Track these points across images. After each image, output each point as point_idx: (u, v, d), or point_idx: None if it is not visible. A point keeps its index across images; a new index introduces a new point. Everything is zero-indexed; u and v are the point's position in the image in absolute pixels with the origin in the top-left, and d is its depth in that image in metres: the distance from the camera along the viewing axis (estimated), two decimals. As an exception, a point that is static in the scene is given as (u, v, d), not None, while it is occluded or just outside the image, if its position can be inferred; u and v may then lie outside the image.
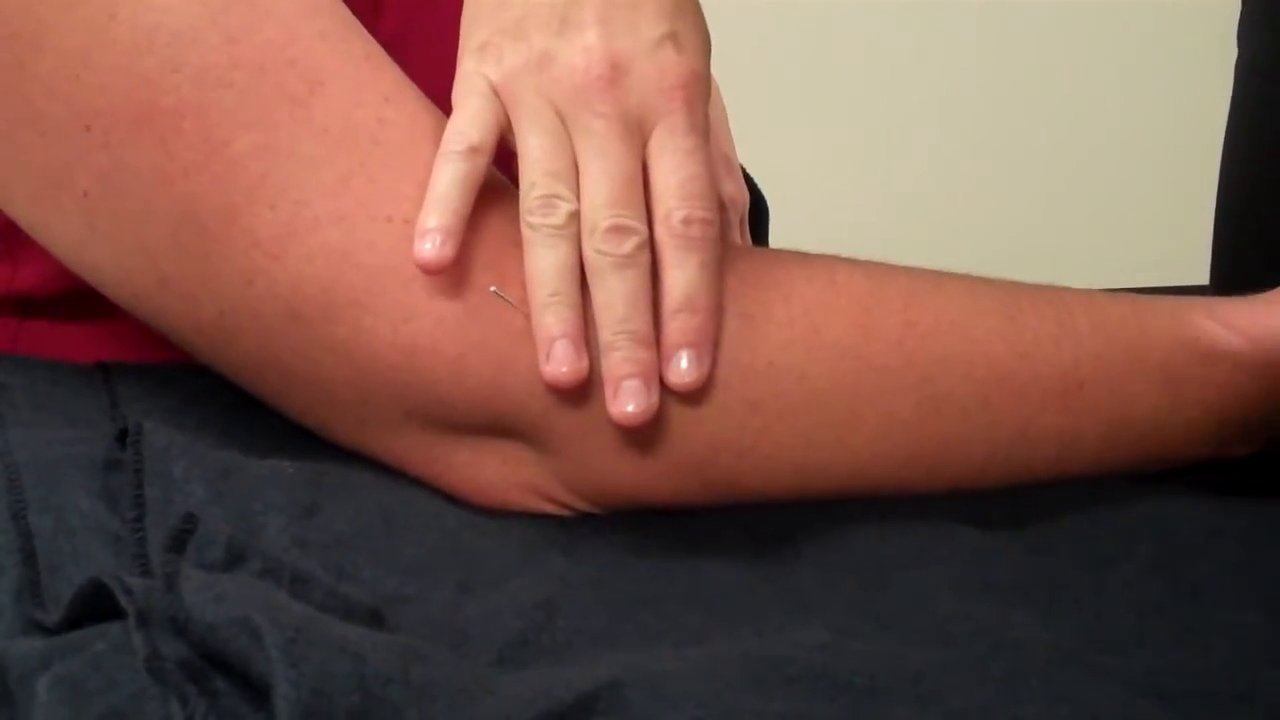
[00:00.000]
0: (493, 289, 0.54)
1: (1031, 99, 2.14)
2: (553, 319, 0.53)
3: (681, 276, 0.54)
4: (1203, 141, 1.14)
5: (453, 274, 0.54)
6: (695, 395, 0.55)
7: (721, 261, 0.55)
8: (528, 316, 0.54)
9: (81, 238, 0.57)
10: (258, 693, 0.43)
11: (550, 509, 0.58)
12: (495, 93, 0.55)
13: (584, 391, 0.54)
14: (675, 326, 0.54)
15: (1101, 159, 2.14)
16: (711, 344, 0.55)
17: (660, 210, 0.55)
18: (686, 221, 0.54)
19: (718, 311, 0.55)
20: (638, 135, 0.55)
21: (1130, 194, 2.12)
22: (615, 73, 0.54)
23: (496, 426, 0.56)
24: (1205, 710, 0.49)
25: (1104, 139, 2.14)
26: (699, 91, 0.56)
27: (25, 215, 0.58)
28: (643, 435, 0.55)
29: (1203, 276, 1.00)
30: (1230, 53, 1.02)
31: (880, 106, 1.92)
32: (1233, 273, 1.00)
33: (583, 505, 0.57)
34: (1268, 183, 1.01)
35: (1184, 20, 2.00)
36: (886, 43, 2.04)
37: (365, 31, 0.57)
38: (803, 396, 0.56)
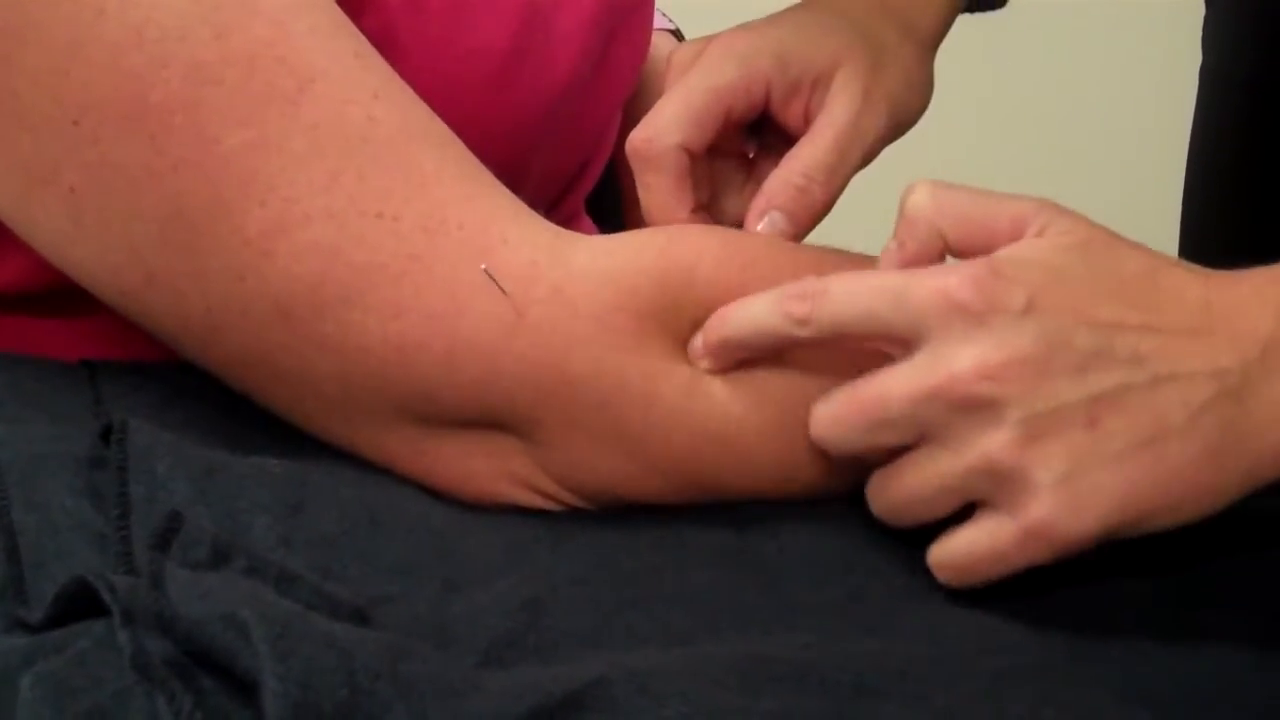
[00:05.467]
0: (483, 267, 0.54)
1: (999, 102, 2.15)
2: None
3: None
4: (1169, 145, 1.15)
5: (441, 268, 0.54)
6: (682, 389, 0.55)
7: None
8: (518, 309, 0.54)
9: (67, 234, 0.56)
10: (243, 690, 0.43)
11: (537, 502, 0.58)
12: None
13: (570, 384, 0.55)
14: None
15: (1068, 162, 2.15)
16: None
17: None
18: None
19: None
20: None
21: (1096, 196, 2.13)
22: None
23: (485, 420, 0.56)
24: (1190, 713, 0.49)
25: (1071, 143, 2.15)
26: None
27: (9, 211, 0.57)
28: (627, 427, 0.55)
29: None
30: (1195, 58, 1.03)
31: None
32: None
33: (569, 498, 0.57)
34: (1232, 184, 1.02)
35: (1150, 26, 2.01)
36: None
37: (354, 28, 0.57)
38: (783, 387, 0.56)
